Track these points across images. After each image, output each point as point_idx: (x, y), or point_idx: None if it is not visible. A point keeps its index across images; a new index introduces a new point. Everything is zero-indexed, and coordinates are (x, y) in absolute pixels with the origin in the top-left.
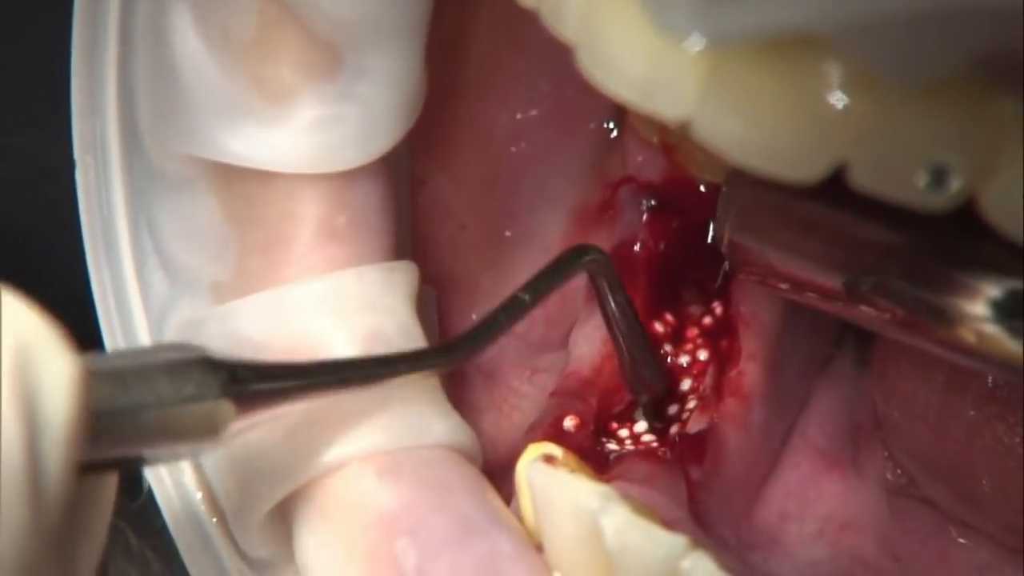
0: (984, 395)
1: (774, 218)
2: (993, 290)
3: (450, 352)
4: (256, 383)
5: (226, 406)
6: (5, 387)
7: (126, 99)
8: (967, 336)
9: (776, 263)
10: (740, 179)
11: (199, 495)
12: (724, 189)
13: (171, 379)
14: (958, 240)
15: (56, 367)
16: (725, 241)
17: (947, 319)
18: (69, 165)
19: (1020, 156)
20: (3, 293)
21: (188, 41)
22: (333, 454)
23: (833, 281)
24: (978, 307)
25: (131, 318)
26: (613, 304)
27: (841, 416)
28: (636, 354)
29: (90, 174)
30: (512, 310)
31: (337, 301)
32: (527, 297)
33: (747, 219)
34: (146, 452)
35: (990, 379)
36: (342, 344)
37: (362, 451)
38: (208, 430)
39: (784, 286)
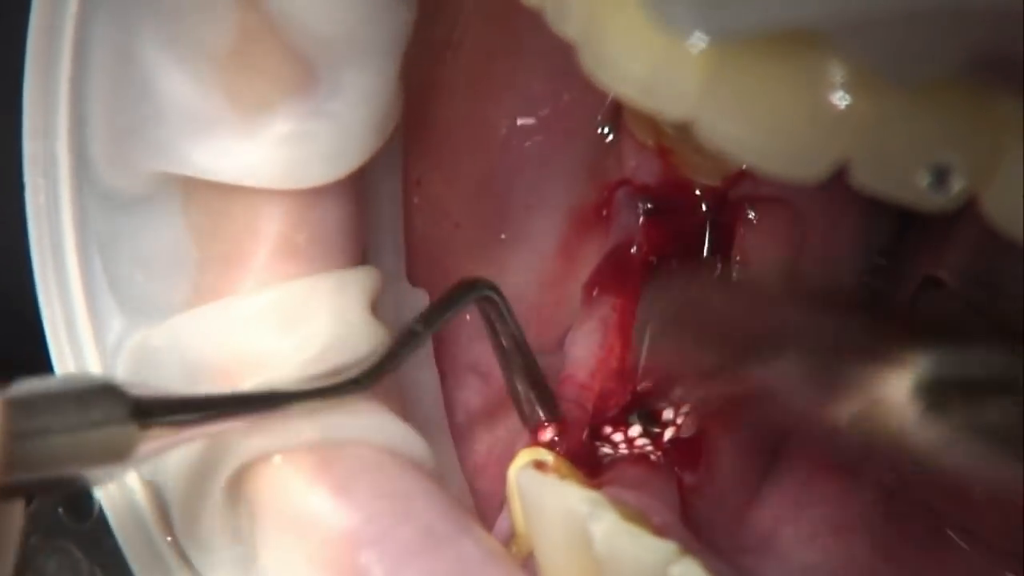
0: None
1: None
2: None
3: (347, 386)
4: (160, 411)
5: (132, 431)
6: None
7: (78, 121)
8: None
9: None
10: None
11: (150, 512)
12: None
13: (78, 406)
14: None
15: None
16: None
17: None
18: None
19: (1020, 155)
20: None
21: (159, 56)
22: (271, 444)
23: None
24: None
25: (80, 344)
26: (504, 337)
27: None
28: (529, 386)
29: (40, 197)
30: (407, 341)
31: (284, 310)
32: (420, 328)
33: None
34: (57, 475)
35: None
36: (289, 353)
37: (293, 443)
38: (115, 454)
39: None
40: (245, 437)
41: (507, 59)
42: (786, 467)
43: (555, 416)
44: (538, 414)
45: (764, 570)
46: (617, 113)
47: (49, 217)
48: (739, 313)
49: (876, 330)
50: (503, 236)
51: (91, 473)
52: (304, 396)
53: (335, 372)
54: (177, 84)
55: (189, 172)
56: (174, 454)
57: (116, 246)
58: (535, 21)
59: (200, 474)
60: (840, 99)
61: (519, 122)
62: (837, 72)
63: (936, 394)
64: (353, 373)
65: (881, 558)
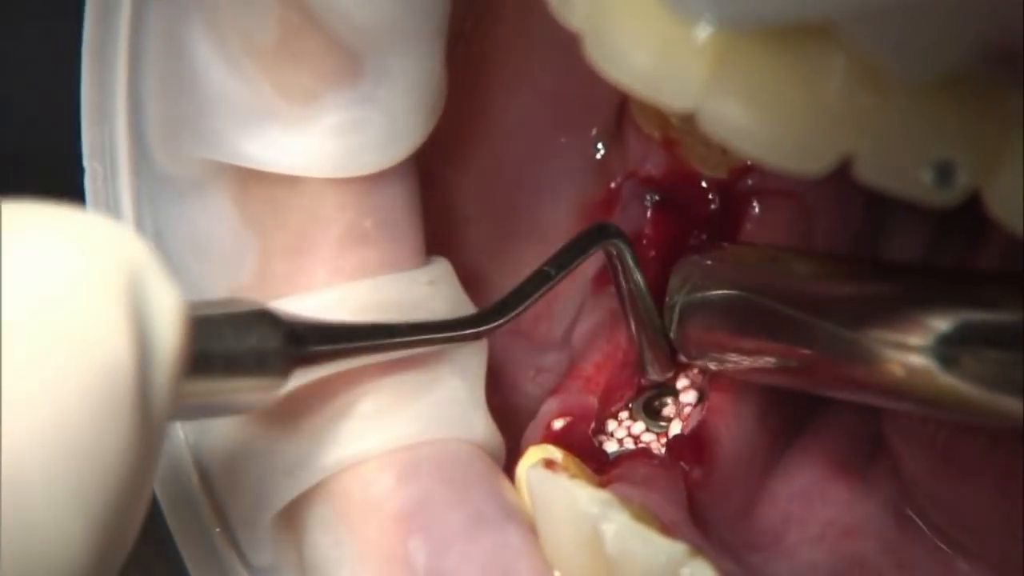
0: (994, 432)
1: (719, 301)
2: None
3: (486, 319)
4: (314, 340)
5: (286, 359)
6: (119, 309)
7: (135, 107)
8: (895, 371)
9: (726, 342)
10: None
11: (204, 501)
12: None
13: (234, 329)
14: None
15: (165, 297)
16: (674, 336)
17: (871, 357)
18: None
19: (1023, 150)
20: (109, 220)
21: (207, 49)
22: (351, 449)
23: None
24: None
25: None
26: (629, 284)
27: (858, 426)
28: (650, 335)
29: (98, 181)
30: (538, 282)
31: (374, 306)
32: (552, 271)
33: (692, 308)
34: (208, 400)
35: None
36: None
37: (382, 445)
38: (270, 380)
39: (738, 364)
40: (334, 441)
41: (517, 53)
42: (795, 466)
43: (673, 365)
44: (657, 362)
45: (772, 568)
46: (624, 105)
47: (108, 203)
48: (772, 285)
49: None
50: (513, 228)
51: (242, 400)
52: (447, 327)
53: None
54: (225, 77)
55: (242, 163)
56: (230, 440)
57: (173, 232)
58: (544, 13)
59: (272, 478)
60: (845, 92)
61: (528, 116)
62: (843, 65)
63: (968, 355)
64: (486, 309)
65: (889, 561)
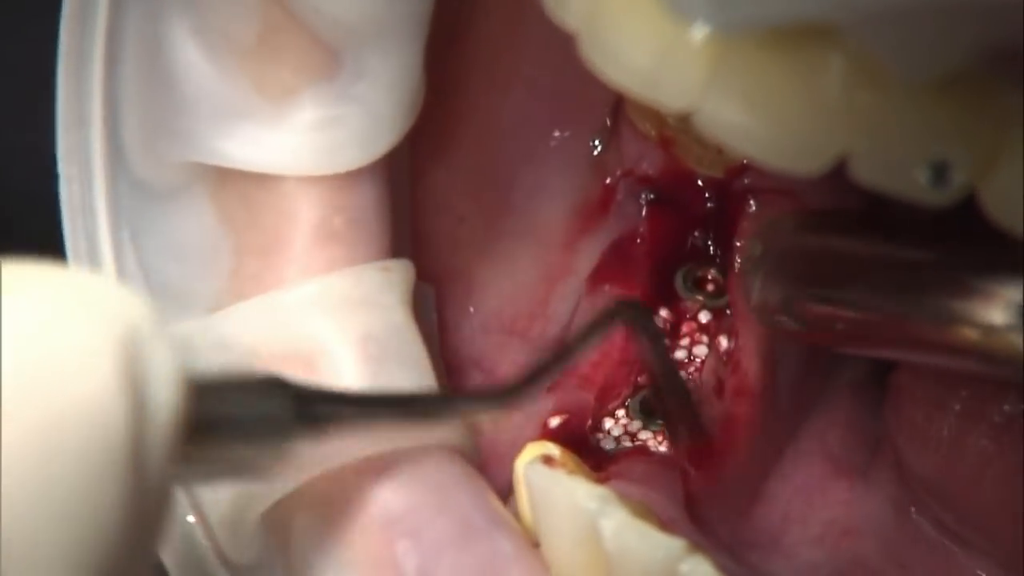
0: (1000, 426)
1: (799, 266)
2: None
3: (503, 396)
4: (324, 406)
5: (294, 425)
6: (115, 370)
7: (111, 111)
8: (971, 335)
9: (808, 310)
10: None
11: (183, 499)
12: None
13: (241, 394)
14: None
15: (163, 361)
16: (753, 304)
17: (954, 319)
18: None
19: (1020, 151)
20: (108, 281)
21: (186, 47)
22: (331, 455)
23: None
24: (993, 311)
25: None
26: (656, 358)
27: (860, 425)
28: (679, 404)
29: (74, 187)
30: (561, 357)
31: (331, 302)
32: (574, 346)
33: (773, 277)
34: (213, 466)
35: (1007, 408)
36: (337, 346)
37: (360, 452)
38: (278, 448)
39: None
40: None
41: (511, 51)
42: (796, 465)
43: (703, 440)
44: (687, 435)
45: (771, 567)
46: (619, 104)
47: (84, 208)
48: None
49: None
50: (507, 228)
51: (249, 466)
52: (462, 401)
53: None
54: (204, 75)
55: (219, 162)
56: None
57: (149, 237)
58: (538, 11)
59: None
60: (842, 92)
61: (522, 114)
62: (840, 65)
63: None
64: (511, 383)
65: (890, 561)
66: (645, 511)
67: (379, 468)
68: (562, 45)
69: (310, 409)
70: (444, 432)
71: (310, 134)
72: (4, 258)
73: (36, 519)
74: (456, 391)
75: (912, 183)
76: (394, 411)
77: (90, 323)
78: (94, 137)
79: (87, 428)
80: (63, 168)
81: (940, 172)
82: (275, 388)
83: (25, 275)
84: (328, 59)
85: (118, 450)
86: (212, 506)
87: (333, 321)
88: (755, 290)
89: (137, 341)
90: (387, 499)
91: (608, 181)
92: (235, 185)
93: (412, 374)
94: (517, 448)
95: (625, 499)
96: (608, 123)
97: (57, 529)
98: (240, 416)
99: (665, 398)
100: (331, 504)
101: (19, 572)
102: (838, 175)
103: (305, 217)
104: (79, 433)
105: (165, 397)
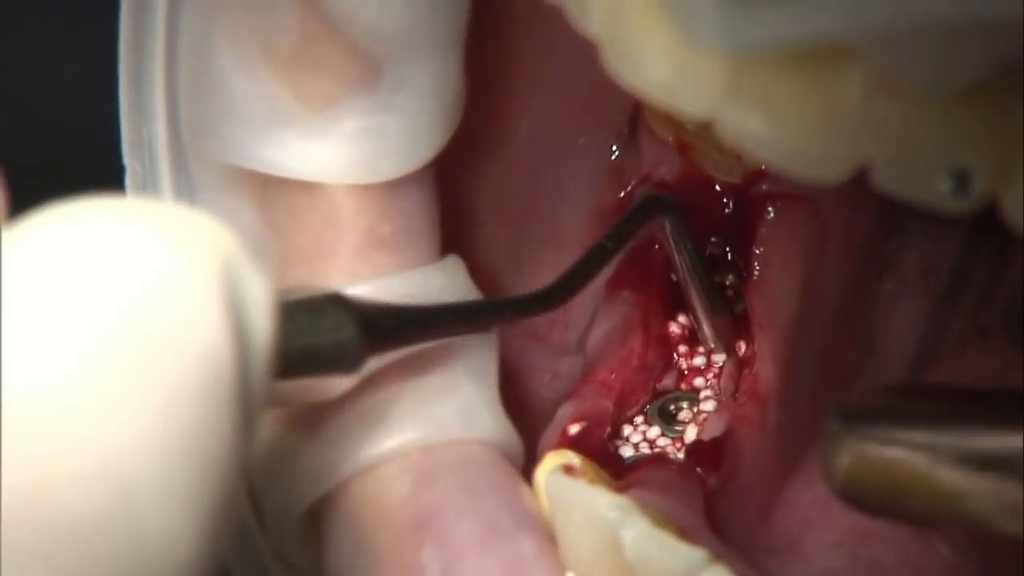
0: None
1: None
2: None
3: (548, 297)
4: (386, 323)
5: (362, 344)
6: (218, 302)
7: (172, 105)
8: None
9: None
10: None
11: (246, 502)
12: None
13: (310, 314)
14: None
15: (259, 287)
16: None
17: None
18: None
19: None
20: (200, 213)
21: (229, 55)
22: (367, 453)
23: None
24: None
25: None
26: (683, 255)
27: None
28: (708, 305)
29: (138, 180)
30: (598, 256)
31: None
32: (609, 244)
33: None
34: (287, 386)
35: None
36: None
37: (397, 449)
38: (343, 365)
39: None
40: (351, 445)
41: (532, 57)
42: (815, 471)
43: (733, 334)
44: (717, 332)
45: (789, 573)
46: (638, 109)
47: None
48: None
49: None
50: (528, 232)
51: (320, 384)
52: (513, 304)
53: None
54: (245, 83)
55: (262, 169)
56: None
57: None
58: (559, 18)
59: (292, 483)
60: (862, 101)
61: (543, 120)
62: (860, 75)
63: None
64: (543, 289)
65: (907, 567)
66: (665, 520)
67: (415, 469)
68: (583, 52)
69: (374, 325)
70: (487, 429)
71: (351, 143)
72: None
73: (153, 456)
74: (502, 299)
75: (933, 191)
76: (449, 320)
77: (187, 253)
78: (158, 130)
79: (195, 361)
80: (128, 161)
81: (961, 180)
82: (340, 307)
83: (114, 208)
84: (368, 69)
85: (225, 381)
86: (266, 505)
87: None
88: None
89: (233, 269)
90: (418, 503)
91: (627, 186)
92: (279, 190)
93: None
94: (538, 456)
95: (646, 508)
96: (627, 129)
97: (174, 464)
98: (313, 336)
99: (695, 296)
100: (364, 506)
101: (141, 512)
102: (857, 182)
103: (351, 224)
104: (188, 367)
105: (262, 323)
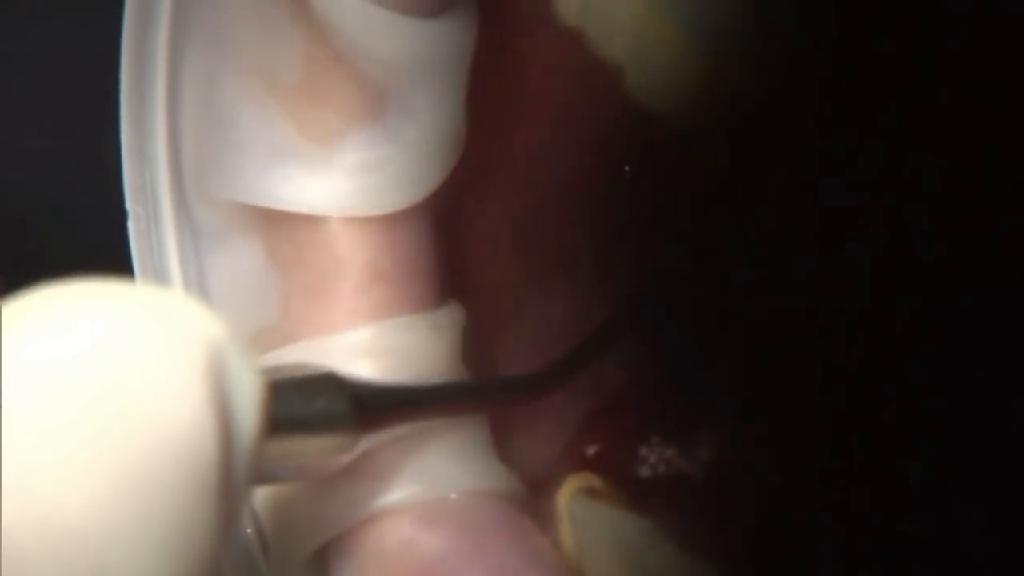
0: None
1: None
2: None
3: (543, 381)
4: (378, 403)
5: (353, 421)
6: (204, 392)
7: (174, 148)
8: None
9: None
10: None
11: (250, 530)
12: None
13: (301, 394)
14: None
15: (247, 376)
16: None
17: None
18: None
19: None
20: (184, 297)
21: (235, 91)
22: (370, 504)
23: None
24: None
25: None
26: None
27: None
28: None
29: (141, 225)
30: (606, 330)
31: (380, 350)
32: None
33: None
34: (276, 466)
35: None
36: None
37: (399, 502)
38: (336, 445)
39: None
40: (353, 496)
41: (540, 80)
42: None
43: None
44: None
45: None
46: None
47: (152, 245)
48: None
49: None
50: (536, 257)
51: (310, 464)
52: (509, 386)
53: None
54: (248, 116)
55: (265, 204)
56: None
57: (204, 281)
58: (570, 38)
59: (295, 529)
60: None
61: (553, 141)
62: None
63: None
64: (553, 366)
65: None
66: (688, 542)
67: (418, 515)
68: (593, 74)
69: (366, 405)
70: (492, 481)
71: (356, 176)
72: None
73: (130, 548)
74: (491, 379)
75: None
76: (437, 401)
77: (174, 340)
78: (160, 175)
79: (179, 453)
80: (130, 205)
81: None
82: (332, 386)
83: (101, 293)
84: (373, 100)
85: (211, 475)
86: (270, 550)
87: (381, 371)
88: None
89: (220, 357)
90: (423, 548)
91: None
92: (284, 226)
93: (463, 421)
94: (553, 472)
95: (669, 530)
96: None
97: (152, 555)
98: (303, 416)
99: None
100: (366, 552)
101: None
102: None
103: (352, 258)
104: (171, 460)
105: (249, 412)
